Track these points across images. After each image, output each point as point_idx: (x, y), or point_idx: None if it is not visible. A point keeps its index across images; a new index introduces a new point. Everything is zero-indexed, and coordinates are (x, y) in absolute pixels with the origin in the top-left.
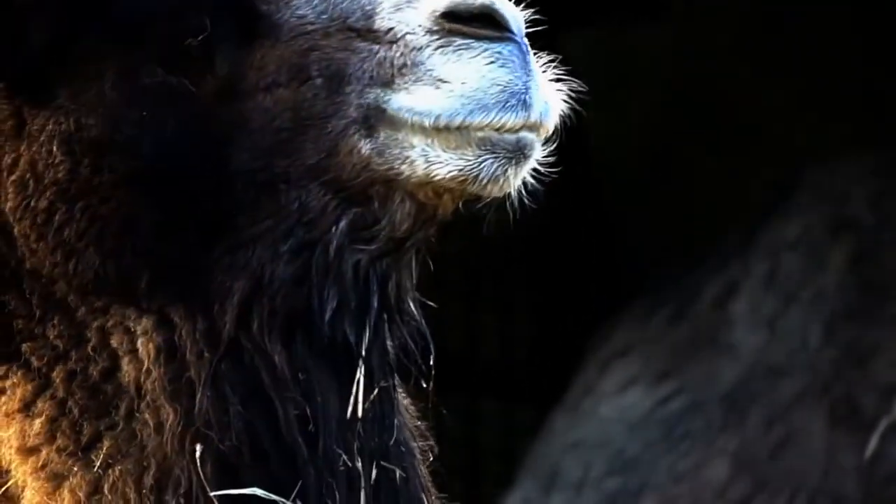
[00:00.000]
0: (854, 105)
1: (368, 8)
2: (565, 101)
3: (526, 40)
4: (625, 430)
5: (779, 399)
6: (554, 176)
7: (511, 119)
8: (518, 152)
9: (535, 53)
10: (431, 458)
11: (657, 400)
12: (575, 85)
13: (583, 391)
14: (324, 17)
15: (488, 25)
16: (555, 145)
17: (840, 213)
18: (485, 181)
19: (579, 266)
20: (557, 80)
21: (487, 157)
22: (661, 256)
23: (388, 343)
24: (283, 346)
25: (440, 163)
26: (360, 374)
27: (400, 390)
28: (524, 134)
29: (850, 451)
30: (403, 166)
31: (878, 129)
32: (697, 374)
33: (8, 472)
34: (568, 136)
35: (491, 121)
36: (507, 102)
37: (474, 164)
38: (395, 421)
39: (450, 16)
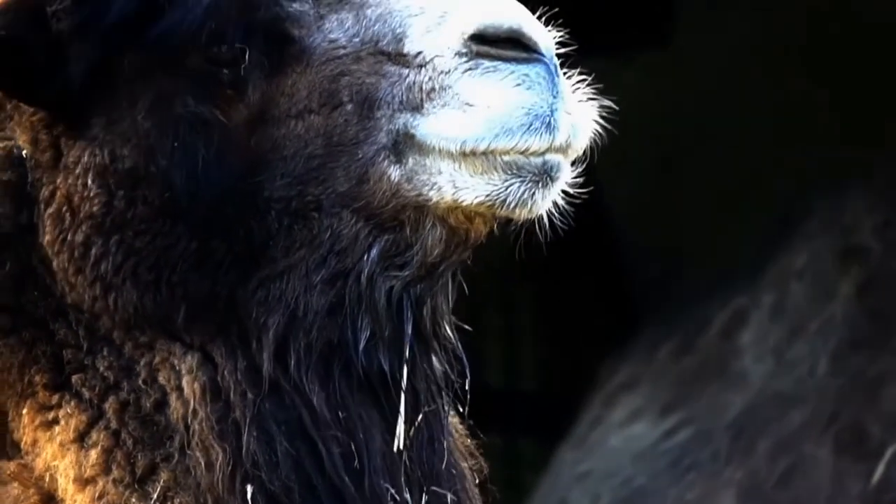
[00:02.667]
0: (860, 133)
1: (399, 31)
2: (595, 122)
3: (556, 60)
4: (632, 461)
5: (786, 428)
6: (562, 206)
7: (536, 142)
8: (545, 175)
9: (565, 73)
10: (481, 478)
11: (664, 431)
12: (607, 104)
13: (590, 423)
14: (356, 40)
15: (517, 47)
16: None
17: (847, 243)
18: (512, 205)
19: (586, 296)
20: (588, 100)
21: (514, 180)
22: (669, 286)
23: (433, 366)
24: (320, 383)
25: (467, 188)
26: (402, 406)
27: (449, 410)
28: (550, 156)
29: (857, 479)
30: (432, 192)
31: (885, 158)
32: (704, 405)
33: (63, 501)
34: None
35: (516, 144)
36: (531, 125)
37: (501, 188)
38: (445, 444)
39: (478, 38)
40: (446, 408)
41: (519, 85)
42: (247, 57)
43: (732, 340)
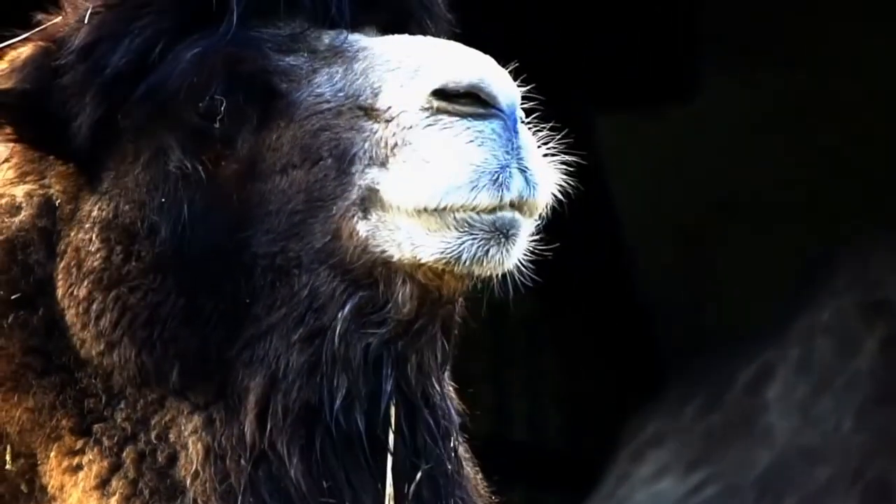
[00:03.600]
0: (886, 189)
1: (377, 85)
2: (561, 175)
3: (518, 114)
4: None
5: (812, 484)
6: (588, 261)
7: (485, 199)
8: (497, 232)
9: (533, 128)
10: None
11: (691, 487)
12: (572, 159)
13: (617, 479)
14: (340, 94)
15: (476, 102)
16: (588, 230)
17: (872, 298)
18: (467, 263)
19: (611, 352)
20: (555, 155)
21: (466, 238)
22: (695, 343)
23: (429, 424)
24: (301, 452)
25: (423, 246)
26: (388, 467)
27: (461, 468)
28: (503, 213)
29: None
30: (393, 249)
31: None
32: (731, 460)
33: None
34: (600, 222)
35: (465, 202)
36: (478, 182)
37: (454, 246)
38: (454, 502)
39: (440, 93)
40: (454, 466)
41: (471, 141)
42: (228, 110)
43: (758, 396)
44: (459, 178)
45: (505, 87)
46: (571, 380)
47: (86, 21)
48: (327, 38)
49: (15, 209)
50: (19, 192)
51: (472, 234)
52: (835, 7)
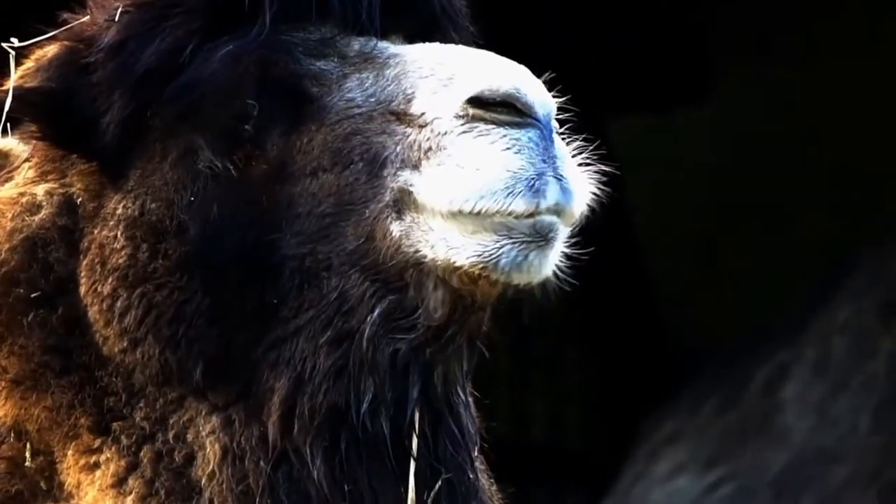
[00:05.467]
0: None
1: (409, 92)
2: (597, 185)
3: (553, 124)
4: None
5: (829, 484)
6: (605, 264)
7: (520, 205)
8: (537, 236)
9: (565, 137)
10: None
11: (707, 486)
12: (609, 168)
13: (633, 478)
14: (371, 100)
15: (512, 111)
16: (603, 232)
17: (890, 298)
18: (506, 267)
19: (630, 352)
20: (588, 165)
21: (505, 242)
22: (712, 342)
23: (452, 431)
24: (325, 455)
25: (458, 248)
26: (411, 473)
27: (479, 476)
28: (541, 217)
29: None
30: (426, 250)
31: None
32: (747, 460)
33: None
34: (616, 225)
35: (500, 207)
36: (514, 188)
37: (492, 249)
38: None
39: (476, 101)
40: (473, 475)
41: (508, 149)
42: (260, 112)
43: (775, 396)
44: (496, 184)
45: (541, 96)
46: (590, 380)
47: (116, 19)
48: (356, 44)
49: (35, 207)
50: (40, 190)
51: (511, 237)
52: (849, 9)
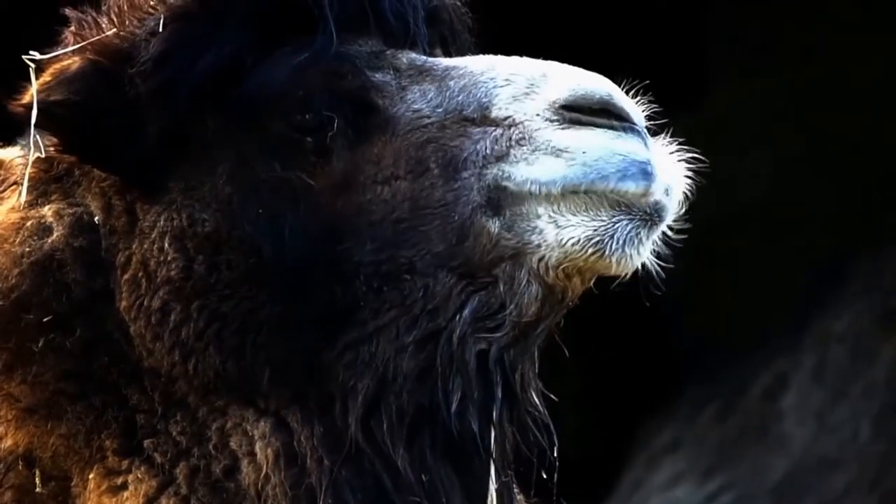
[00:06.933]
0: None
1: (485, 100)
2: (688, 179)
3: (646, 131)
4: None
5: (829, 492)
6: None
7: (633, 187)
8: (655, 214)
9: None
10: None
11: (706, 495)
12: (696, 165)
13: (632, 485)
14: (439, 110)
15: (609, 116)
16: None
17: (888, 306)
18: (621, 241)
19: (627, 359)
20: (680, 161)
21: (622, 217)
22: (709, 349)
23: (516, 434)
24: (406, 446)
25: (571, 226)
26: (492, 471)
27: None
28: (660, 197)
29: None
30: (533, 236)
31: None
32: (747, 468)
33: None
34: None
35: (613, 188)
36: (627, 171)
37: (608, 224)
38: None
39: (569, 108)
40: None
41: (616, 138)
42: (335, 125)
43: (774, 403)
44: (608, 166)
45: (632, 104)
46: (586, 387)
47: (160, 31)
48: (405, 57)
49: (45, 230)
50: (47, 212)
51: (629, 213)
52: (845, 11)
